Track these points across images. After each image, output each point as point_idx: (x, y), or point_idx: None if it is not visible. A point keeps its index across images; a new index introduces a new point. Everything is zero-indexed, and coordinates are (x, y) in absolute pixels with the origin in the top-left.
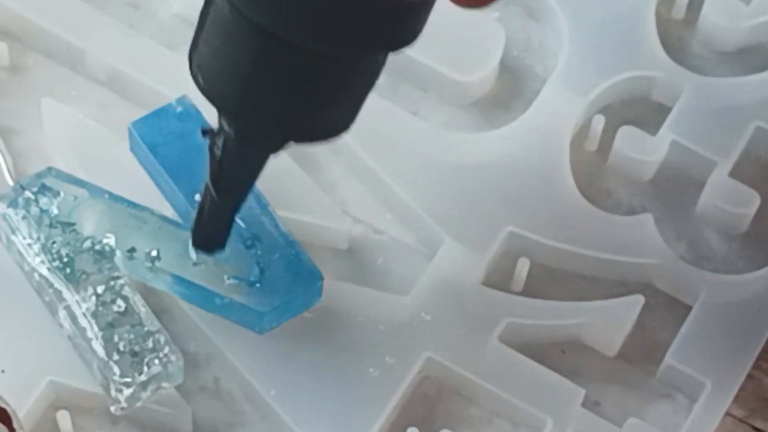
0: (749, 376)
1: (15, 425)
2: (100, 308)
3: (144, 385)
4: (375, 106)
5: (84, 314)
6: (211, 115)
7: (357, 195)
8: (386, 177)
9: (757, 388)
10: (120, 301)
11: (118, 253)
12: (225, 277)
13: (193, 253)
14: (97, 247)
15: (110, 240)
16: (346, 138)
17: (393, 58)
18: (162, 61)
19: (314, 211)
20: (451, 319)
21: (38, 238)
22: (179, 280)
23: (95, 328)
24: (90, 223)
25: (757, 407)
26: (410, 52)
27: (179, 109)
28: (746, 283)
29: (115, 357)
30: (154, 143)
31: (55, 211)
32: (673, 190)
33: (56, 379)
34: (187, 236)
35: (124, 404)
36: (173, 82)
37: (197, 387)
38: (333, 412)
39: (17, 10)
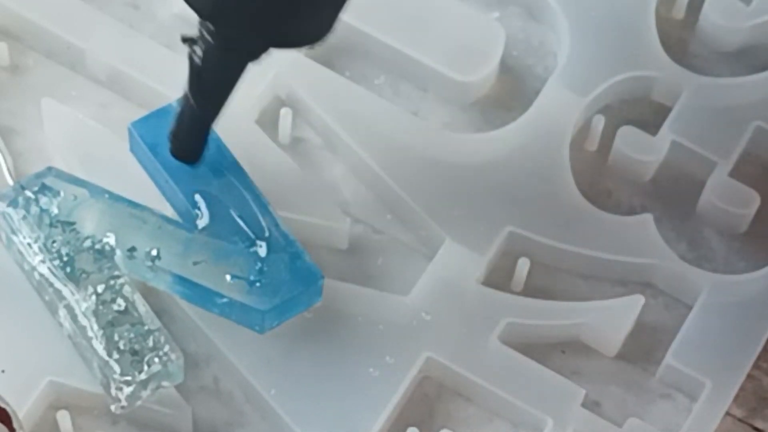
0: (749, 376)
1: (15, 425)
2: (100, 307)
3: (144, 384)
4: (375, 106)
5: (84, 313)
6: None
7: (357, 195)
8: (386, 177)
9: (757, 388)
10: (120, 300)
11: (118, 252)
12: (225, 276)
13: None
14: (97, 246)
15: (110, 239)
16: (346, 138)
17: (393, 58)
18: (162, 61)
19: (314, 211)
20: (451, 319)
21: (38, 238)
22: (179, 279)
23: (95, 326)
24: (90, 222)
25: (757, 407)
26: (410, 52)
27: (179, 109)
28: (746, 283)
29: (115, 356)
30: (153, 143)
31: (55, 210)
32: (673, 190)
33: (56, 379)
34: (188, 236)
35: (124, 403)
36: (173, 82)
37: (197, 387)
38: (333, 412)
39: (17, 10)
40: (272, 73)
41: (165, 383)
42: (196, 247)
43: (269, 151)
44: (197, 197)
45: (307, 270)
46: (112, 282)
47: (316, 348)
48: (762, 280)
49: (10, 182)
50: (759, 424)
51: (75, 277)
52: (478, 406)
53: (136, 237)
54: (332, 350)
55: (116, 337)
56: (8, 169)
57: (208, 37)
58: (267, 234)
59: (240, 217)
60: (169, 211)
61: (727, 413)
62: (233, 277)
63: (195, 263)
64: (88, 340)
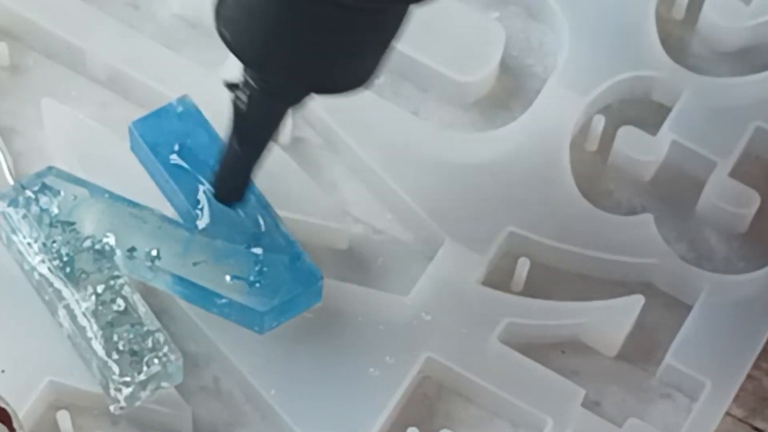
0: (749, 376)
1: (15, 425)
2: (100, 307)
3: (143, 385)
4: (375, 106)
5: (83, 313)
6: (212, 115)
7: (357, 195)
8: (386, 177)
9: (757, 388)
10: (120, 301)
11: (118, 252)
12: (225, 276)
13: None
14: (97, 246)
15: (110, 239)
16: (346, 138)
17: (393, 58)
18: (162, 61)
19: (314, 211)
20: (451, 319)
21: (38, 237)
22: (179, 279)
23: (95, 327)
24: (90, 222)
25: (757, 407)
26: (410, 52)
27: (180, 108)
28: (746, 283)
29: (115, 356)
30: (154, 142)
31: (55, 210)
32: (673, 190)
33: (56, 379)
34: (188, 236)
35: (123, 403)
36: (173, 82)
37: (197, 387)
38: (333, 412)
39: (17, 10)
40: None
41: (164, 384)
42: (196, 248)
43: (269, 151)
44: (197, 197)
45: (307, 271)
46: (111, 282)
47: (316, 348)
48: (762, 280)
49: (11, 182)
50: (759, 424)
51: (75, 277)
52: (478, 406)
53: (136, 237)
54: (332, 350)
55: (115, 338)
56: (8, 169)
57: (253, 84)
58: (267, 234)
59: (240, 217)
60: (170, 211)
61: (727, 413)
62: (233, 277)
63: (195, 263)
64: (88, 340)
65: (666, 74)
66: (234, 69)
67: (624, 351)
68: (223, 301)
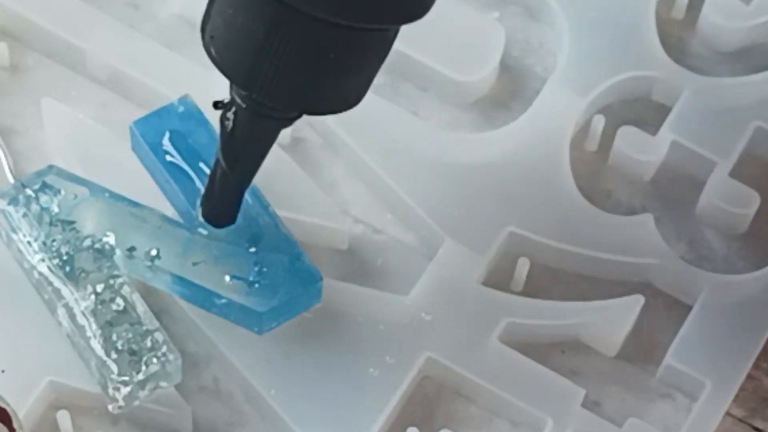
0: (749, 376)
1: (15, 425)
2: (99, 307)
3: (142, 384)
4: (375, 106)
5: (83, 312)
6: (212, 115)
7: (357, 195)
8: (386, 177)
9: (757, 388)
10: (119, 300)
11: (117, 251)
12: (225, 276)
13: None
14: (97, 245)
15: (110, 238)
16: (346, 138)
17: (393, 58)
18: (162, 61)
19: (314, 211)
20: (451, 319)
21: (38, 236)
22: (178, 279)
23: (94, 326)
24: (90, 221)
25: (757, 407)
26: (410, 52)
27: (181, 108)
28: (746, 283)
29: (113, 355)
30: (155, 142)
31: (55, 209)
32: (673, 190)
33: (56, 379)
34: (187, 236)
35: (121, 403)
36: (173, 82)
37: (197, 387)
38: (333, 412)
39: (17, 10)
40: None
41: (163, 384)
42: (196, 248)
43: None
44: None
45: (307, 271)
46: (111, 281)
47: (316, 348)
48: (762, 280)
49: (11, 180)
50: (759, 424)
51: (74, 276)
52: (478, 406)
53: (136, 236)
54: (332, 350)
55: (114, 337)
56: (9, 167)
57: (241, 103)
58: (266, 235)
59: (240, 217)
60: (170, 211)
61: (727, 413)
62: (232, 277)
63: (194, 263)
64: (87, 339)
65: (666, 74)
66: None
67: (624, 351)
68: (223, 301)
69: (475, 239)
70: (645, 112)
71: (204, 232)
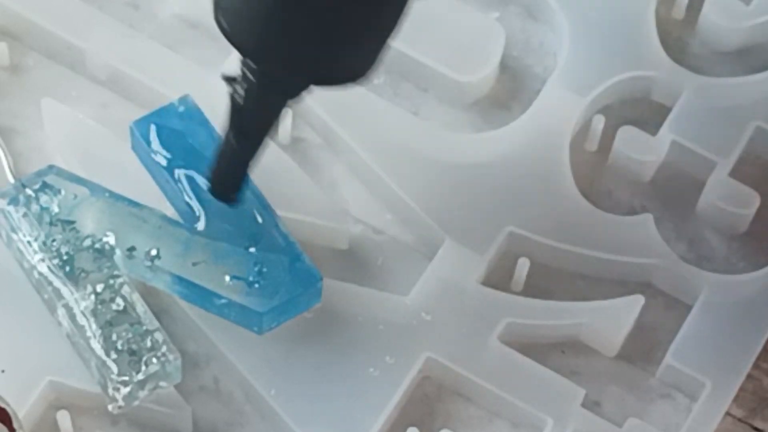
0: (749, 376)
1: (15, 425)
2: (99, 307)
3: (141, 384)
4: (375, 106)
5: (83, 312)
6: (213, 115)
7: (357, 195)
8: (386, 177)
9: (757, 388)
10: (119, 300)
11: (117, 251)
12: (225, 276)
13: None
14: (97, 245)
15: (110, 238)
16: (346, 138)
17: (393, 58)
18: (162, 61)
19: (314, 211)
20: (451, 319)
21: (38, 236)
22: (178, 279)
23: (93, 326)
24: (90, 221)
25: (757, 407)
26: (410, 52)
27: (181, 108)
28: (746, 283)
29: (113, 355)
30: (155, 142)
31: (55, 209)
32: (673, 190)
33: (56, 379)
34: (188, 236)
35: (121, 403)
36: (173, 82)
37: (197, 387)
38: (333, 412)
39: (17, 10)
40: None
41: (162, 383)
42: (196, 248)
43: (269, 151)
44: (198, 197)
45: (306, 272)
46: (111, 281)
47: (316, 348)
48: (762, 280)
49: (11, 180)
50: (759, 424)
51: (74, 276)
52: (478, 406)
53: (136, 236)
54: (332, 350)
55: (114, 337)
56: (9, 167)
57: (250, 76)
58: (266, 235)
59: (240, 217)
60: (170, 211)
61: (727, 413)
62: (232, 277)
63: (194, 263)
64: (86, 339)
65: (666, 74)
66: (233, 64)
67: (624, 351)
68: (223, 301)
69: (475, 239)
70: (645, 112)
71: (202, 234)
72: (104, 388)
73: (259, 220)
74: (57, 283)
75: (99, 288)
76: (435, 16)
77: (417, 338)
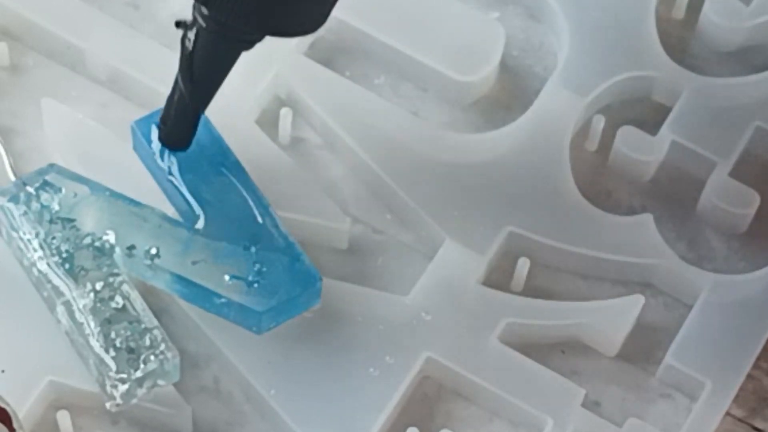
0: (749, 376)
1: (15, 425)
2: (98, 304)
3: (140, 382)
4: (375, 106)
5: (82, 310)
6: (212, 115)
7: (357, 195)
8: (386, 177)
9: (757, 388)
10: (118, 298)
11: (117, 250)
12: (224, 276)
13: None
14: (97, 243)
15: (110, 237)
16: (346, 138)
17: (393, 58)
18: (162, 61)
19: (314, 211)
20: (451, 319)
21: (38, 234)
22: (178, 278)
23: (92, 324)
24: (90, 219)
25: (757, 407)
26: (410, 52)
27: None
28: (746, 283)
29: (112, 353)
30: (156, 141)
31: (55, 207)
32: (673, 190)
33: (56, 379)
34: (187, 235)
35: (119, 401)
36: (173, 82)
37: (197, 387)
38: (333, 412)
39: (17, 10)
40: (272, 73)
41: (161, 382)
42: (196, 247)
43: (269, 151)
44: (198, 197)
45: (306, 272)
46: (110, 279)
47: (316, 348)
48: (762, 280)
49: (12, 178)
50: (759, 424)
51: (74, 273)
52: (478, 406)
53: (136, 235)
54: (332, 350)
55: (113, 335)
56: (10, 165)
57: (202, 22)
58: (266, 235)
59: (240, 217)
60: (170, 210)
61: (727, 413)
62: (232, 277)
63: (194, 263)
64: (85, 337)
65: (666, 74)
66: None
67: (624, 351)
68: (222, 300)
69: (475, 239)
70: (645, 112)
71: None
72: (102, 385)
73: (259, 220)
74: (56, 280)
75: (98, 286)
76: (435, 16)
77: (417, 338)
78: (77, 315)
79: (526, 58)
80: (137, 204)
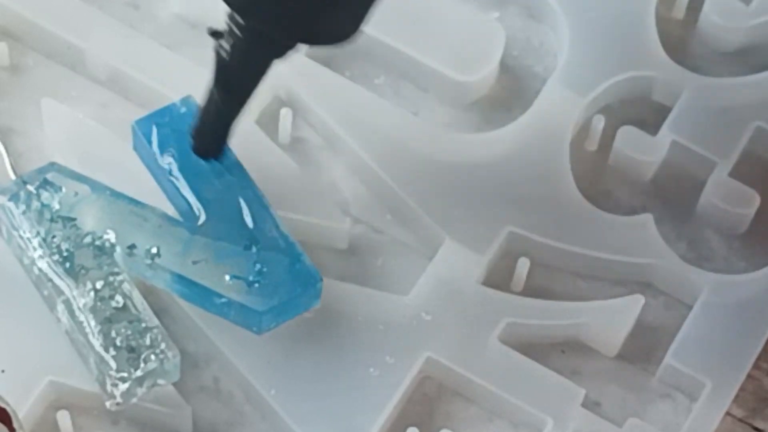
0: (749, 376)
1: (15, 425)
2: (99, 303)
3: (140, 381)
4: (375, 106)
5: (82, 309)
6: None
7: (357, 195)
8: (386, 177)
9: (757, 388)
10: (118, 297)
11: (118, 249)
12: (224, 276)
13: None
14: (98, 242)
15: (110, 236)
16: (346, 138)
17: (393, 58)
18: (162, 61)
19: (314, 211)
20: (451, 319)
21: (38, 233)
22: (178, 277)
23: (93, 322)
24: (91, 218)
25: (757, 407)
26: (410, 52)
27: (183, 109)
28: (746, 283)
29: (112, 352)
30: (157, 141)
31: (56, 205)
32: (673, 190)
33: (56, 379)
34: (188, 235)
35: (119, 399)
36: (173, 82)
37: (197, 387)
38: (333, 412)
39: (17, 10)
40: (272, 73)
41: (161, 381)
42: (196, 247)
43: (269, 151)
44: (198, 197)
45: (306, 272)
46: (111, 278)
47: (316, 348)
48: (762, 280)
49: (12, 177)
50: (759, 424)
51: (74, 272)
52: (478, 406)
53: (137, 234)
54: (332, 350)
55: (113, 334)
56: (10, 164)
57: (237, 31)
58: (266, 235)
59: (240, 217)
60: (171, 210)
61: (727, 413)
62: (232, 277)
63: (194, 262)
64: (85, 336)
65: (666, 74)
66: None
67: (624, 351)
68: (222, 300)
69: (475, 239)
70: (645, 112)
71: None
72: (103, 384)
73: (260, 220)
74: (57, 279)
75: (99, 285)
76: (435, 16)
77: (417, 338)
78: (77, 314)
79: (526, 58)
80: (138, 203)
